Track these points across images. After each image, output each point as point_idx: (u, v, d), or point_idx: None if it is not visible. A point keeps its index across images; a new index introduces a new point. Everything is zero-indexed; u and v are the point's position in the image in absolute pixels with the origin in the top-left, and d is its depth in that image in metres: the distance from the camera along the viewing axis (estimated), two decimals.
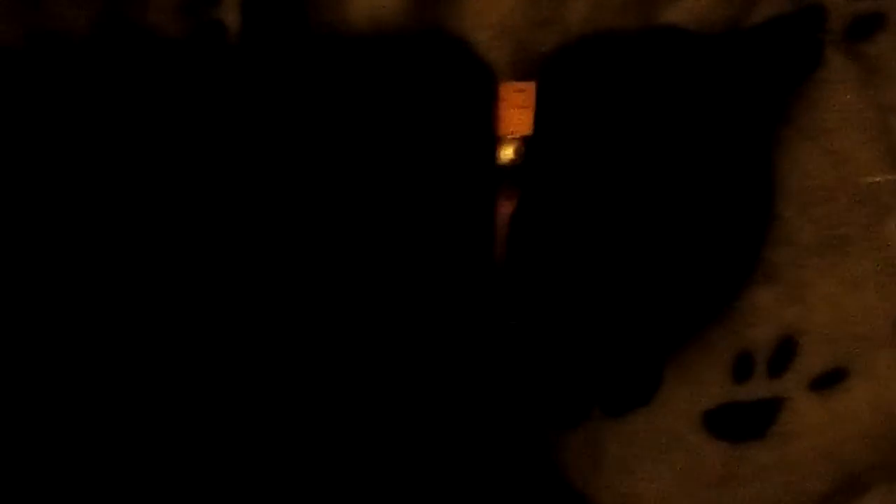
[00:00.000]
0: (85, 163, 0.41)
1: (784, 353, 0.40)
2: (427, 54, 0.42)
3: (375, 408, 0.40)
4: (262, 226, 0.40)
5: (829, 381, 0.39)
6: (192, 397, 0.39)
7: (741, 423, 0.39)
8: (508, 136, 0.40)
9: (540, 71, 0.42)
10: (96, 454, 0.39)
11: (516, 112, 0.41)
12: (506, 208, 0.40)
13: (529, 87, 0.42)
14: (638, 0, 0.43)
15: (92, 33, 0.43)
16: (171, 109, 0.42)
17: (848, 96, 0.41)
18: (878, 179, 0.40)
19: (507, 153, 0.40)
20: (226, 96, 0.42)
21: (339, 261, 0.39)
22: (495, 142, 0.40)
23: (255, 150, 0.40)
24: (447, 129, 0.40)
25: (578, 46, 0.42)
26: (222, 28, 0.44)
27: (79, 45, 0.43)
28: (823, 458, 0.37)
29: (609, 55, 0.41)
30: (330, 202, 0.40)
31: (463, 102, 0.41)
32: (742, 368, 0.40)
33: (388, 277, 0.39)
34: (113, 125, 0.41)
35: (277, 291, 0.39)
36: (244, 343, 0.39)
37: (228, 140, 0.41)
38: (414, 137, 0.40)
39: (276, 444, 0.39)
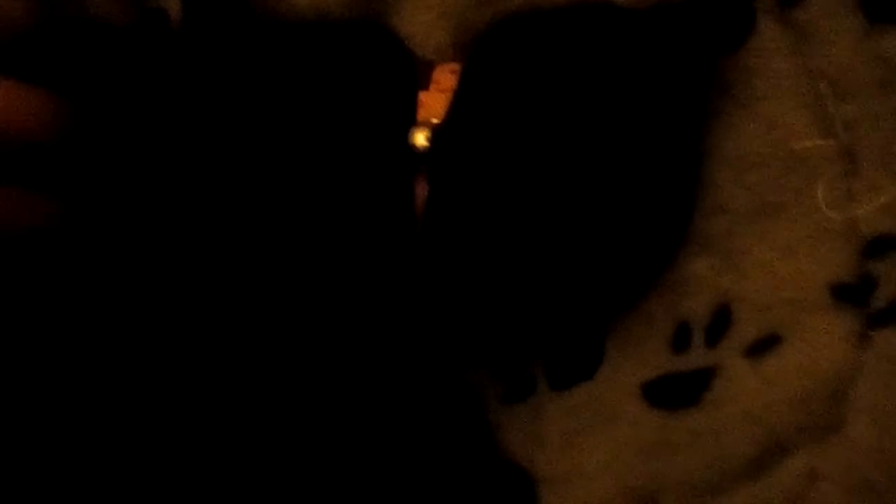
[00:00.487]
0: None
1: (720, 321, 0.40)
2: (351, 42, 0.42)
3: (304, 392, 0.40)
4: (197, 205, 0.40)
5: (763, 347, 0.39)
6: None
7: (677, 392, 0.39)
8: (428, 121, 0.41)
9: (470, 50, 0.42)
10: (88, 455, 0.39)
11: (443, 96, 0.42)
12: (424, 191, 0.40)
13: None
14: None
15: (33, 24, 0.44)
16: (113, 95, 0.42)
17: (780, 63, 0.41)
18: (808, 145, 0.40)
19: (420, 138, 0.40)
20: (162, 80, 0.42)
21: (261, 241, 0.40)
22: (409, 127, 0.40)
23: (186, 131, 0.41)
24: (363, 114, 0.40)
25: (505, 24, 0.42)
26: (164, 16, 0.44)
27: (20, 37, 0.43)
28: (753, 422, 0.37)
29: (535, 32, 0.42)
30: (256, 181, 0.40)
31: (380, 89, 0.41)
32: (680, 339, 0.40)
33: (305, 260, 0.40)
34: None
35: (210, 266, 0.40)
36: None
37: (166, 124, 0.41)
38: (332, 122, 0.41)
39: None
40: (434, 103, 0.42)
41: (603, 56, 0.40)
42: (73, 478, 0.39)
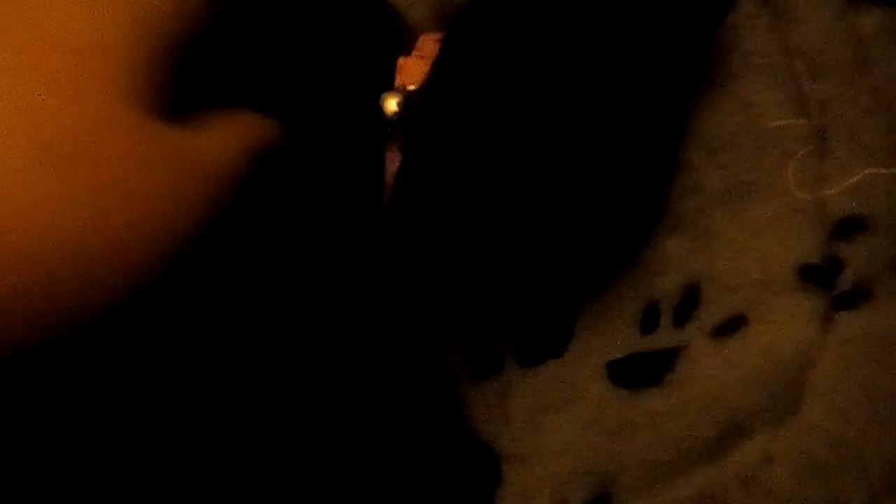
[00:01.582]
0: None
1: (689, 301, 0.40)
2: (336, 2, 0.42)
3: (272, 364, 0.40)
4: None
5: (729, 328, 0.38)
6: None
7: (641, 372, 0.39)
8: (403, 87, 0.40)
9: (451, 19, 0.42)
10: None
11: (424, 63, 0.41)
12: (394, 161, 0.39)
13: None
14: None
15: None
16: None
17: (756, 41, 0.40)
18: (782, 124, 0.39)
19: (391, 104, 0.40)
20: None
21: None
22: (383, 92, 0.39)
23: None
24: (337, 75, 0.40)
25: None
26: None
27: None
28: (713, 403, 0.37)
29: (518, 3, 0.41)
30: None
31: (357, 50, 0.41)
32: (649, 319, 0.40)
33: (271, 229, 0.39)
34: None
35: None
36: None
37: None
38: (307, 82, 0.40)
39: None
40: (414, 70, 0.41)
41: (583, 31, 0.40)
42: (69, 477, 0.39)
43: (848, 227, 0.38)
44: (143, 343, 0.36)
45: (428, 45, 0.42)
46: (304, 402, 0.41)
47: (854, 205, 0.38)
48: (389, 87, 0.41)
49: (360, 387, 0.41)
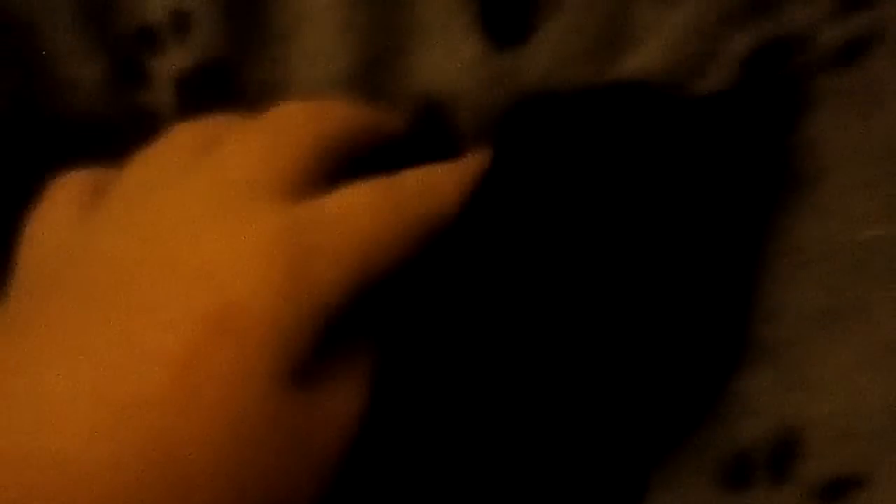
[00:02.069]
0: None
1: (784, 453, 0.33)
2: None
3: None
4: None
5: (839, 490, 0.31)
6: None
7: None
8: None
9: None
10: None
11: None
12: None
13: None
14: (599, 48, 0.36)
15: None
16: None
17: (843, 140, 0.34)
18: (876, 234, 0.33)
19: None
20: None
21: None
22: None
23: None
24: None
25: (528, 107, 0.36)
26: (153, 112, 0.39)
27: None
28: None
29: (561, 117, 0.35)
30: None
31: None
32: (738, 474, 0.33)
33: None
34: None
35: None
36: None
37: None
38: None
39: None
40: None
41: (644, 149, 0.34)
42: None
43: None
44: None
45: None
46: None
47: None
48: None
49: None
